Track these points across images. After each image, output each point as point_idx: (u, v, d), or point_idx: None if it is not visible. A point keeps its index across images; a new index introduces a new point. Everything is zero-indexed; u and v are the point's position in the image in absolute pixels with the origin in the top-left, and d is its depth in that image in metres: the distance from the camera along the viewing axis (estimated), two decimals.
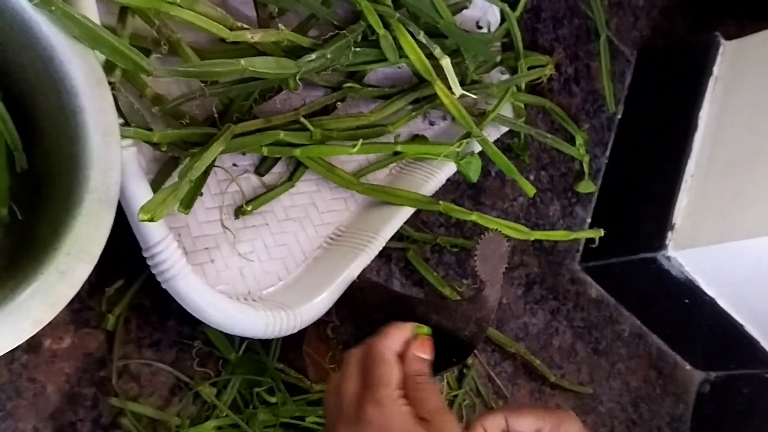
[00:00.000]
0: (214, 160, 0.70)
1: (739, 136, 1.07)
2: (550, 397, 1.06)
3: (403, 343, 0.65)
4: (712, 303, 1.08)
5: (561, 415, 0.66)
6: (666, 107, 1.19)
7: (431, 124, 0.97)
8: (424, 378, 0.63)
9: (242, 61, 0.70)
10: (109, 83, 0.61)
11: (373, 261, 0.79)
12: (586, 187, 1.15)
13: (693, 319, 1.13)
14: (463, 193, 1.01)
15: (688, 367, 1.25)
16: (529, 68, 1.05)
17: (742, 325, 1.11)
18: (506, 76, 1.03)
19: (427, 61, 0.84)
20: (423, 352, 0.65)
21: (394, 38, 0.83)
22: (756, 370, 1.20)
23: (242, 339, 0.77)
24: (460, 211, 0.87)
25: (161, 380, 0.74)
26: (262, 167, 0.80)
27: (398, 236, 0.88)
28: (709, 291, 1.06)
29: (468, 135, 0.89)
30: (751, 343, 1.14)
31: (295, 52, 0.78)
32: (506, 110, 1.00)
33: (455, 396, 0.92)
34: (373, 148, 0.86)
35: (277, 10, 0.81)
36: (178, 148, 0.71)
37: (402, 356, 0.64)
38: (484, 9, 1.03)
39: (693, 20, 1.38)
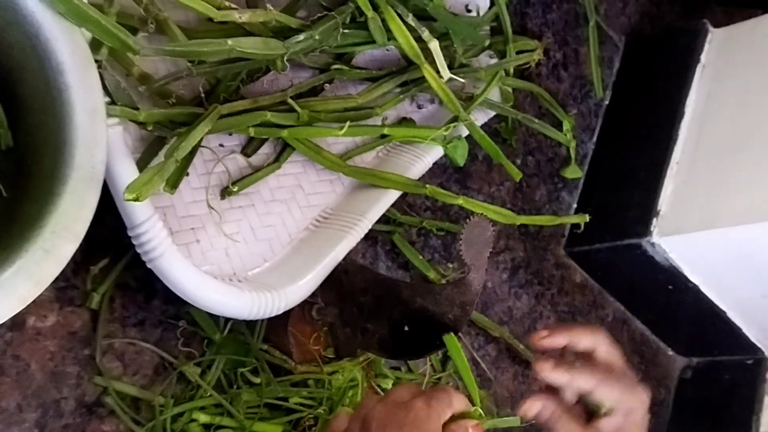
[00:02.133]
0: (200, 140, 0.70)
1: (725, 124, 1.07)
2: (534, 381, 1.06)
3: (463, 408, 0.62)
4: (695, 289, 1.08)
5: (637, 395, 0.70)
6: (653, 94, 1.19)
7: (419, 107, 0.97)
8: None
9: (230, 41, 0.69)
10: (96, 61, 0.61)
11: (359, 243, 0.79)
12: (573, 172, 1.16)
13: (676, 306, 1.13)
14: (450, 177, 1.01)
15: (671, 352, 1.25)
16: (518, 53, 1.05)
17: (724, 312, 1.12)
18: (495, 61, 1.03)
19: (415, 44, 0.84)
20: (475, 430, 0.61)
21: (383, 20, 0.83)
22: (737, 357, 1.20)
23: (227, 319, 0.77)
24: (446, 194, 0.87)
25: (145, 359, 0.74)
26: (248, 148, 0.80)
27: (384, 219, 0.88)
28: (693, 278, 1.07)
29: (455, 119, 0.89)
30: (733, 329, 1.14)
31: (283, 33, 0.77)
32: (494, 94, 1.00)
33: (439, 378, 0.92)
34: (360, 130, 0.86)
35: None
36: (165, 128, 0.71)
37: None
38: None
39: (681, 7, 1.38)
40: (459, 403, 0.61)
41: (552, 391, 0.71)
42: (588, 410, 0.71)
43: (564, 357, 0.72)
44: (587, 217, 1.02)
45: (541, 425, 0.69)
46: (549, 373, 0.70)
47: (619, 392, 0.68)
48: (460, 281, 0.73)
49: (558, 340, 0.72)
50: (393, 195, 0.84)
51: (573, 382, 0.69)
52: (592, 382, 0.68)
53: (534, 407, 0.69)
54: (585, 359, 0.72)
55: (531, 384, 1.06)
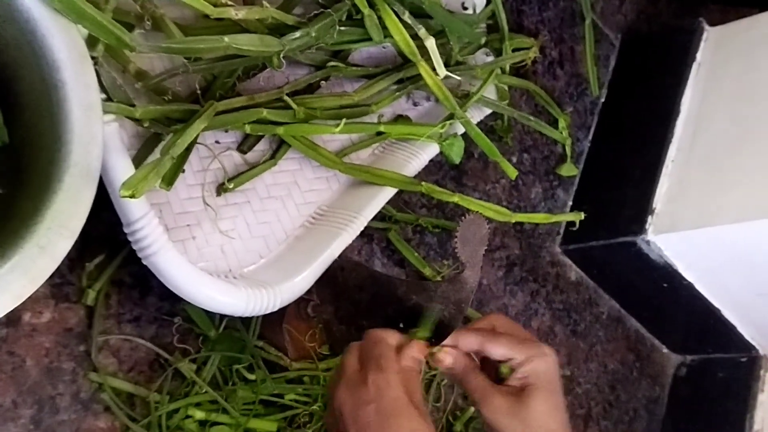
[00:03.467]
0: (196, 137, 0.70)
1: (720, 122, 1.07)
2: None
3: (400, 340, 0.68)
4: (690, 287, 1.08)
5: (535, 350, 0.70)
6: (649, 92, 1.20)
7: (415, 104, 0.97)
8: (414, 374, 0.66)
9: (226, 38, 0.69)
10: (92, 58, 0.61)
11: (354, 240, 0.80)
12: (568, 170, 1.16)
13: (671, 303, 1.14)
14: (446, 175, 1.02)
15: (665, 350, 1.26)
16: (514, 50, 1.05)
17: (719, 310, 1.12)
18: (491, 58, 1.03)
19: (411, 42, 0.84)
20: (418, 353, 0.68)
21: (379, 18, 0.83)
22: (731, 354, 1.21)
23: (222, 316, 0.77)
24: (442, 192, 0.87)
25: (141, 356, 0.74)
26: (244, 145, 0.80)
27: (380, 216, 0.88)
28: (688, 275, 1.07)
29: (451, 116, 0.90)
30: (727, 327, 1.15)
31: (279, 30, 0.77)
32: (490, 92, 1.00)
33: (434, 375, 0.93)
34: (356, 127, 0.86)
35: None
36: (161, 125, 0.71)
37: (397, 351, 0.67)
38: None
39: (677, 5, 1.39)
40: (392, 338, 0.68)
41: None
42: (496, 376, 0.72)
43: None
44: (582, 215, 1.02)
45: (455, 379, 0.71)
46: (438, 360, 0.71)
47: (508, 346, 0.69)
48: (456, 278, 0.73)
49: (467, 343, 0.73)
50: (389, 192, 0.85)
51: (457, 342, 0.71)
52: (477, 339, 0.70)
53: (448, 358, 0.70)
54: None
55: None
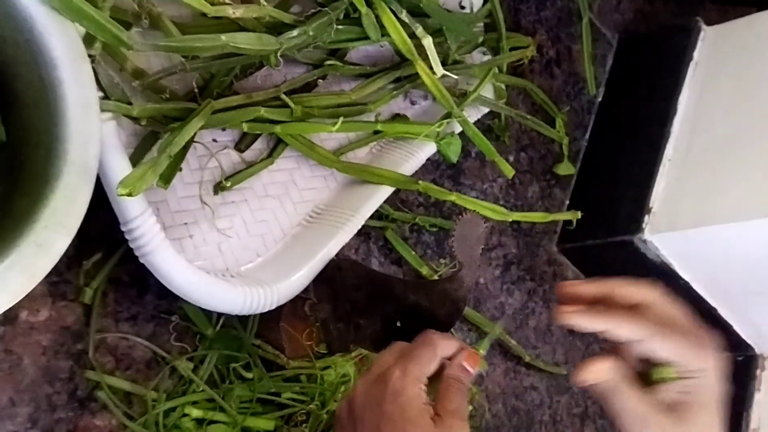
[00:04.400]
0: (194, 136, 0.70)
1: (717, 121, 1.07)
2: (525, 377, 1.07)
3: (455, 350, 0.64)
4: (686, 287, 1.08)
5: (709, 359, 0.58)
6: (646, 91, 1.20)
7: (412, 103, 0.97)
8: (460, 384, 0.61)
9: (223, 37, 0.69)
10: (89, 56, 0.61)
11: (351, 239, 0.80)
12: (565, 169, 1.16)
13: None
14: (443, 173, 1.02)
15: None
16: (511, 49, 1.05)
17: (715, 309, 1.12)
18: (488, 57, 1.04)
19: (409, 41, 0.84)
20: (470, 364, 0.62)
21: (377, 16, 0.83)
22: (728, 354, 1.21)
23: (219, 314, 0.77)
24: (439, 191, 0.87)
25: (138, 354, 0.74)
26: (242, 143, 0.80)
27: (377, 215, 0.88)
28: (684, 275, 1.07)
29: (449, 115, 0.90)
30: (724, 326, 1.15)
31: (276, 29, 0.77)
32: (487, 91, 1.00)
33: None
34: (353, 126, 0.86)
35: None
36: (158, 123, 0.71)
37: (449, 359, 0.63)
38: None
39: (675, 4, 1.39)
40: (446, 348, 0.62)
41: (610, 354, 0.61)
42: (647, 378, 0.59)
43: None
44: (579, 214, 1.02)
45: (596, 394, 0.60)
46: (575, 318, 0.59)
47: (679, 349, 0.57)
48: (453, 277, 0.73)
49: (593, 288, 0.61)
50: (386, 191, 0.85)
51: (615, 328, 0.58)
52: (643, 332, 0.57)
53: (591, 375, 0.58)
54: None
55: (522, 381, 1.06)
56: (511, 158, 1.11)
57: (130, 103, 0.67)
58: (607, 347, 0.62)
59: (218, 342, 0.76)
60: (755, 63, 1.08)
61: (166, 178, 0.70)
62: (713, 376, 0.58)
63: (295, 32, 0.77)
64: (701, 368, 0.57)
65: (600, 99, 1.25)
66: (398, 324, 0.75)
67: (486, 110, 1.00)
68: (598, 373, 0.58)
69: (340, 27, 0.82)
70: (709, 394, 0.57)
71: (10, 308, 0.52)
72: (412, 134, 0.89)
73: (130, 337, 0.73)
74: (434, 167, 1.00)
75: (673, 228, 1.02)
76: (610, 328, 0.58)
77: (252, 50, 0.73)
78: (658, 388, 0.58)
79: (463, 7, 1.03)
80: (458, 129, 0.93)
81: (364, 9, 0.81)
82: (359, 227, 0.80)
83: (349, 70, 0.88)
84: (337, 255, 0.78)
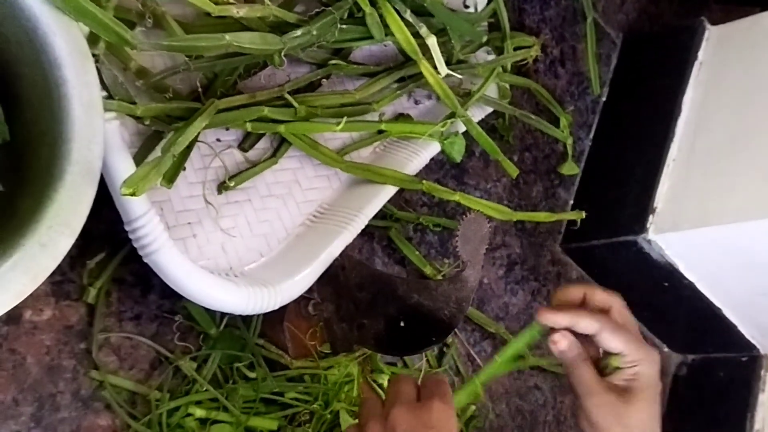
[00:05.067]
0: (197, 135, 0.70)
1: (721, 121, 1.07)
2: (529, 377, 1.06)
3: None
4: (691, 287, 1.08)
5: (647, 352, 0.70)
6: (650, 91, 1.20)
7: (416, 103, 0.97)
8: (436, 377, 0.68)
9: (227, 36, 0.69)
10: (93, 56, 0.61)
11: (355, 239, 0.79)
12: (570, 169, 1.16)
13: (672, 303, 1.14)
14: (447, 173, 1.02)
15: (666, 349, 1.26)
16: (515, 49, 1.05)
17: (720, 309, 1.12)
18: (492, 57, 1.03)
19: (413, 40, 0.84)
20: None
21: (381, 16, 0.83)
22: (733, 354, 1.21)
23: (223, 314, 0.77)
24: (443, 190, 0.87)
25: (141, 354, 0.74)
26: (245, 143, 0.80)
27: (381, 215, 0.88)
28: (689, 275, 1.07)
29: (452, 115, 0.90)
30: (728, 327, 1.15)
31: (280, 28, 0.77)
32: (491, 91, 1.00)
33: (435, 374, 0.92)
34: (357, 126, 0.86)
35: None
36: (162, 122, 0.71)
37: None
38: None
39: (679, 4, 1.39)
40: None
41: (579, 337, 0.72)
42: (601, 368, 0.72)
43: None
44: (583, 214, 1.02)
45: (564, 362, 0.71)
46: (548, 316, 0.71)
47: (624, 342, 0.69)
48: (457, 277, 0.73)
49: (574, 292, 0.73)
50: (390, 191, 0.85)
51: (576, 322, 0.70)
52: (596, 326, 0.69)
53: (563, 341, 0.70)
54: None
55: (525, 381, 1.06)
56: (515, 158, 1.11)
57: (133, 103, 0.67)
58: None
59: (222, 342, 0.76)
60: (760, 63, 1.08)
61: (170, 178, 0.70)
62: (653, 369, 0.70)
63: (299, 32, 0.77)
64: (640, 358, 0.69)
65: (604, 99, 1.25)
66: (402, 324, 0.75)
67: (490, 110, 1.00)
68: (565, 343, 0.70)
69: (343, 26, 0.82)
70: (649, 382, 0.69)
71: (13, 308, 0.52)
72: (416, 134, 0.89)
73: (133, 337, 0.73)
74: (438, 167, 1.00)
75: (678, 228, 1.02)
76: (573, 323, 0.70)
77: (256, 50, 0.73)
78: (611, 375, 0.70)
79: (467, 7, 1.03)
80: (462, 128, 0.93)
81: (368, 8, 0.81)
82: (363, 227, 0.80)
83: (352, 70, 0.88)
84: (340, 255, 0.77)
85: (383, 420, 0.62)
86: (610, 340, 0.69)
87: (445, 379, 0.67)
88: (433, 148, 0.91)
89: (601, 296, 0.72)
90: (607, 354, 0.71)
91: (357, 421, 0.66)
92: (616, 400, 0.69)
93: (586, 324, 0.69)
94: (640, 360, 0.69)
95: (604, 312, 0.71)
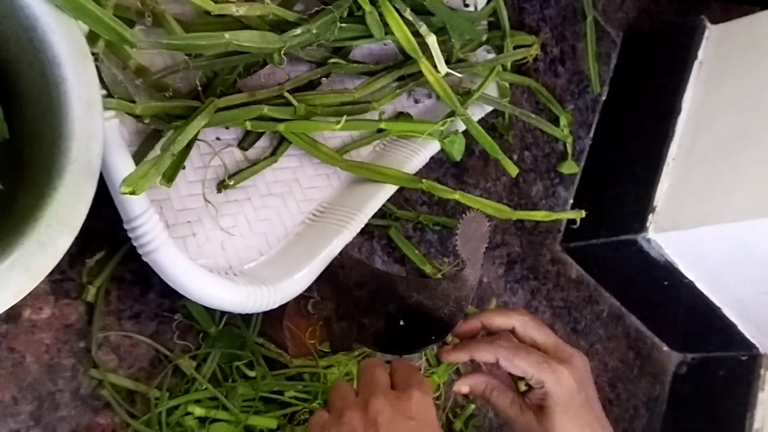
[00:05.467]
0: (197, 134, 0.70)
1: (721, 120, 1.07)
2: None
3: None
4: (690, 286, 1.08)
5: (548, 373, 0.70)
6: (650, 90, 1.20)
7: (416, 101, 0.97)
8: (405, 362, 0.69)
9: (227, 35, 0.69)
10: (93, 54, 0.61)
11: (355, 238, 0.79)
12: (569, 167, 1.16)
13: (671, 301, 1.14)
14: (447, 172, 1.02)
15: (666, 348, 1.26)
16: (515, 48, 1.05)
17: (719, 308, 1.12)
18: (492, 55, 1.03)
19: (412, 39, 0.84)
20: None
21: (380, 14, 0.83)
22: (732, 353, 1.21)
23: (222, 313, 0.77)
24: (443, 189, 0.87)
25: (141, 352, 0.74)
26: (245, 141, 0.80)
27: (381, 213, 0.88)
28: (688, 274, 1.07)
29: (452, 114, 0.89)
30: (728, 326, 1.15)
31: (280, 27, 0.77)
32: (491, 89, 1.00)
33: (433, 373, 0.93)
34: (357, 124, 0.86)
35: None
36: (161, 121, 0.71)
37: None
38: None
39: (679, 3, 1.39)
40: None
41: (483, 368, 0.76)
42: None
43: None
44: (583, 213, 1.02)
45: (479, 399, 0.75)
46: (448, 356, 0.74)
47: (524, 365, 0.70)
48: (456, 276, 0.73)
49: (472, 324, 0.75)
50: (389, 189, 0.85)
51: (474, 355, 0.72)
52: (492, 355, 0.71)
53: (463, 386, 0.73)
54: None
55: None
56: (515, 157, 1.11)
57: (133, 101, 0.67)
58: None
59: (221, 340, 0.76)
60: (760, 62, 1.08)
61: (169, 177, 0.70)
62: (562, 386, 0.70)
63: (298, 30, 0.77)
64: (546, 378, 0.70)
65: (604, 97, 1.25)
66: (401, 323, 0.75)
67: (490, 109, 1.00)
68: (467, 386, 0.74)
69: (343, 25, 0.82)
70: (559, 400, 0.70)
71: (13, 306, 0.52)
72: (416, 132, 0.89)
73: (133, 336, 0.73)
74: (438, 166, 1.00)
75: (677, 227, 1.02)
76: (473, 356, 0.73)
77: (255, 48, 0.73)
78: (527, 394, 0.72)
79: (467, 5, 1.03)
80: (462, 127, 0.92)
81: (368, 7, 0.81)
82: (363, 226, 0.80)
83: (352, 69, 0.88)
84: (340, 253, 0.77)
85: (362, 409, 0.61)
86: (509, 367, 0.71)
87: (416, 366, 0.67)
88: (433, 147, 0.91)
89: (499, 320, 0.74)
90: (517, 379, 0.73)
91: (326, 409, 0.64)
92: (531, 421, 0.71)
93: (483, 355, 0.72)
94: (544, 380, 0.70)
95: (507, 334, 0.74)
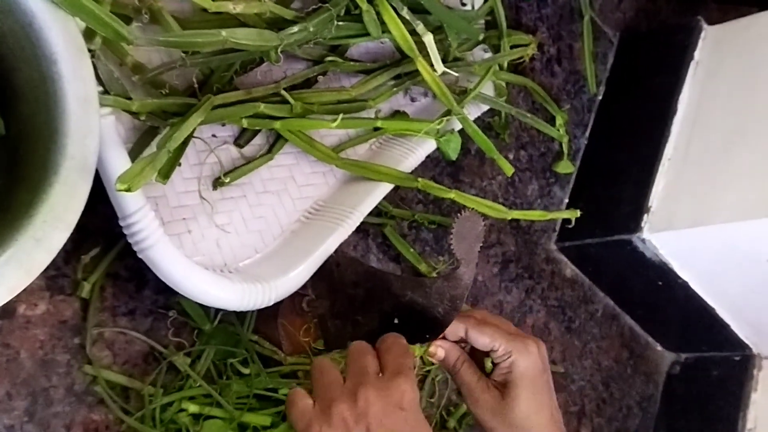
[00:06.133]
0: (193, 131, 0.70)
1: (717, 121, 1.07)
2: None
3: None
4: (685, 286, 1.09)
5: (517, 344, 0.71)
6: (647, 90, 1.20)
7: (412, 100, 0.97)
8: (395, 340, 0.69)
9: (223, 32, 0.69)
10: (89, 50, 0.61)
11: (350, 235, 0.80)
12: (565, 167, 1.16)
13: (666, 302, 1.14)
14: (442, 171, 1.02)
15: (660, 348, 1.26)
16: (512, 47, 1.05)
17: (713, 309, 1.12)
18: (489, 55, 1.03)
19: (409, 37, 0.84)
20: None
21: (378, 13, 0.83)
22: (726, 353, 1.21)
23: (217, 310, 0.77)
24: (438, 188, 0.87)
25: (135, 349, 0.74)
26: (241, 139, 0.80)
27: (376, 212, 0.88)
28: (683, 274, 1.07)
29: (448, 112, 0.90)
30: (722, 326, 1.15)
31: (277, 24, 0.77)
32: (488, 88, 1.00)
33: (428, 371, 0.93)
34: (353, 122, 0.86)
35: None
36: (158, 118, 0.71)
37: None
38: None
39: (676, 3, 1.39)
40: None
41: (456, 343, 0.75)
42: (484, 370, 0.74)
43: None
44: (578, 213, 1.02)
45: (447, 370, 0.74)
46: (432, 351, 0.74)
47: (491, 335, 0.71)
48: (451, 275, 0.73)
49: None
50: (385, 188, 0.85)
51: (447, 332, 0.73)
52: (462, 327, 0.72)
53: (439, 350, 0.73)
54: None
55: None
56: (511, 156, 1.11)
57: (129, 98, 0.67)
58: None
59: (216, 337, 0.76)
60: (756, 63, 1.08)
61: (165, 174, 0.70)
62: (529, 359, 0.70)
63: (295, 28, 0.77)
64: (509, 350, 0.70)
65: (600, 97, 1.25)
66: (396, 321, 0.75)
67: (486, 108, 1.00)
68: (442, 350, 0.73)
69: (340, 23, 0.82)
70: (525, 373, 0.70)
71: (7, 302, 0.52)
72: (412, 131, 0.89)
73: (127, 332, 0.74)
74: (434, 164, 1.00)
75: (672, 227, 1.02)
76: (446, 333, 0.73)
77: (252, 46, 0.73)
78: (491, 375, 0.73)
79: (464, 4, 1.02)
80: (458, 126, 0.93)
81: (365, 5, 0.81)
82: (358, 224, 0.80)
83: (349, 67, 0.88)
84: (335, 251, 0.77)
85: (351, 401, 0.61)
86: (477, 337, 0.71)
87: (408, 348, 0.67)
88: (429, 146, 0.91)
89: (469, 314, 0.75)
90: (484, 354, 0.73)
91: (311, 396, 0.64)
92: (496, 398, 0.71)
93: (454, 328, 0.72)
94: (511, 351, 0.70)
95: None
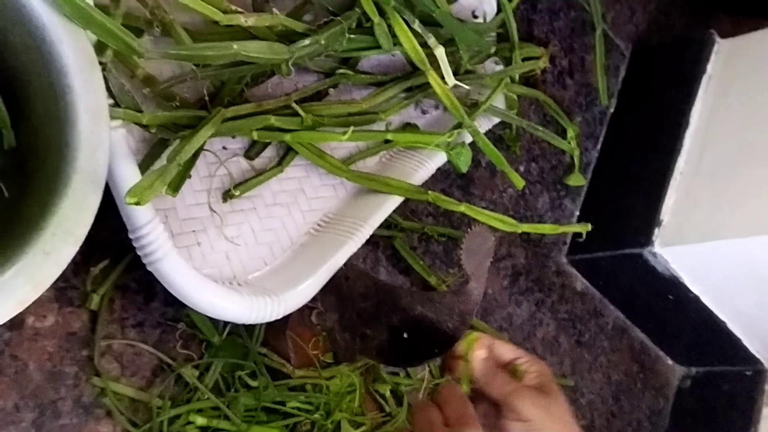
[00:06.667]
0: (203, 144, 0.70)
1: (729, 135, 1.07)
2: None
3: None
4: (696, 300, 1.08)
5: (535, 358, 0.74)
6: (659, 103, 1.19)
7: (423, 113, 0.97)
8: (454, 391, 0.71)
9: (235, 45, 0.69)
10: (101, 63, 0.61)
11: (360, 248, 0.79)
12: (576, 180, 1.15)
13: (676, 315, 1.13)
14: (453, 183, 1.01)
15: (670, 362, 1.26)
16: (524, 60, 1.05)
17: (724, 323, 1.12)
18: (500, 67, 1.03)
19: (421, 50, 0.84)
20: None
21: (389, 26, 0.83)
22: (737, 368, 1.20)
23: (226, 322, 0.77)
24: (449, 201, 0.87)
25: (144, 361, 0.74)
26: (251, 151, 0.80)
27: (386, 224, 0.88)
28: (694, 288, 1.07)
29: (459, 125, 0.89)
30: (732, 340, 1.14)
31: (288, 37, 0.77)
32: (499, 101, 1.00)
33: (437, 384, 0.92)
34: (363, 135, 0.86)
35: None
36: (168, 130, 0.71)
37: None
38: None
39: (689, 16, 1.38)
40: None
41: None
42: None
43: None
44: (589, 226, 1.02)
45: (480, 375, 0.74)
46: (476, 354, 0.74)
47: (513, 348, 0.74)
48: (460, 290, 0.73)
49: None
50: (395, 201, 0.84)
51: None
52: (489, 340, 0.73)
53: (481, 353, 0.73)
54: None
55: None
56: (522, 169, 1.11)
57: (140, 111, 0.67)
58: None
59: (224, 350, 0.76)
60: None
61: (175, 187, 0.70)
62: (546, 378, 0.73)
63: (307, 41, 0.77)
64: (534, 359, 0.73)
65: (612, 110, 1.25)
66: (405, 335, 0.75)
67: (497, 120, 1.00)
68: (480, 356, 0.73)
69: (352, 36, 0.82)
70: (552, 377, 0.73)
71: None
72: (423, 144, 0.89)
73: (136, 344, 0.73)
74: (444, 177, 1.00)
75: (684, 241, 1.02)
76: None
77: (263, 59, 0.73)
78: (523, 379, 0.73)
79: (476, 17, 1.02)
80: (469, 139, 0.92)
81: (376, 18, 0.81)
82: (368, 237, 0.80)
83: (360, 79, 0.88)
84: (344, 264, 0.77)
85: None
86: (504, 349, 0.73)
87: (465, 397, 0.68)
88: (440, 159, 0.91)
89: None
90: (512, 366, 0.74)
91: None
92: (539, 394, 0.71)
93: (482, 344, 0.73)
94: (532, 358, 0.73)
95: None
